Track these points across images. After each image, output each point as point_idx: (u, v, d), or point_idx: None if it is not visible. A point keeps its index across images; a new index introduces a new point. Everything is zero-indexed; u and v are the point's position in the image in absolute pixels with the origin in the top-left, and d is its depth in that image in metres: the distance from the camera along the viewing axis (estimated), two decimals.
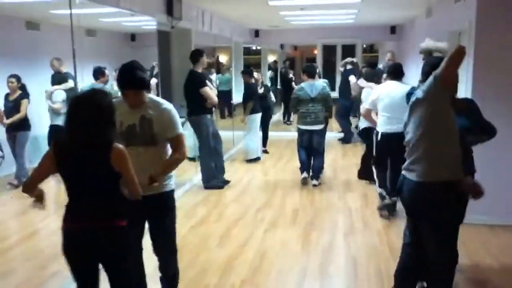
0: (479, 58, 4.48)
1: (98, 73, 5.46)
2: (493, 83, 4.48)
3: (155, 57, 6.28)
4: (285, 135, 9.57)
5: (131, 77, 2.64)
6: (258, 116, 7.72)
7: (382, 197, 5.22)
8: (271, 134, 8.64)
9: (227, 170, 6.56)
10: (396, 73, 5.03)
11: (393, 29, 10.22)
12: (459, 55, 2.51)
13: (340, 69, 9.34)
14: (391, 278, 3.54)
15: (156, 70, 6.07)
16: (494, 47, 4.44)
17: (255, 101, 7.57)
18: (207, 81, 5.99)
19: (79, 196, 2.36)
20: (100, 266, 2.47)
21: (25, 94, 5.48)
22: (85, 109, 2.27)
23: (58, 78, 5.62)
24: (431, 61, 2.93)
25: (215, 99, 5.82)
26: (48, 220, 4.85)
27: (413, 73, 8.14)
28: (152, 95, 2.87)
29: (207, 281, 3.57)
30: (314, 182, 6.25)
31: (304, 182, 6.30)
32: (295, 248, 4.22)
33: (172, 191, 2.91)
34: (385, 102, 4.89)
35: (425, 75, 2.85)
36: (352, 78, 8.62)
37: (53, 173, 2.38)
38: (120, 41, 6.63)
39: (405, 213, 2.95)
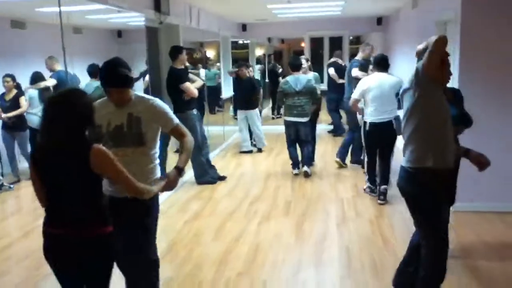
0: (465, 47, 4.54)
1: (93, 71, 5.44)
2: (479, 71, 4.55)
3: (143, 53, 6.27)
4: (275, 129, 9.58)
5: (114, 75, 2.55)
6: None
7: (371, 190, 5.38)
8: None
9: (218, 164, 6.58)
10: (384, 64, 5.14)
11: (379, 21, 10.29)
12: (439, 44, 2.55)
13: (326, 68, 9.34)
14: (384, 266, 3.63)
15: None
16: (480, 36, 4.51)
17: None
18: (190, 76, 5.97)
19: (59, 202, 2.24)
20: None
21: (21, 93, 5.47)
22: (58, 110, 2.14)
23: (34, 77, 5.60)
24: None
25: (195, 92, 5.77)
26: (40, 221, 4.80)
27: (399, 64, 8.22)
28: (137, 92, 2.77)
29: (203, 275, 3.60)
30: (305, 168, 6.29)
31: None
32: (289, 239, 4.27)
33: (156, 196, 2.72)
34: (374, 93, 4.98)
35: None
36: (330, 70, 8.64)
37: None
38: (106, 38, 6.59)
39: None
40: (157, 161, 2.80)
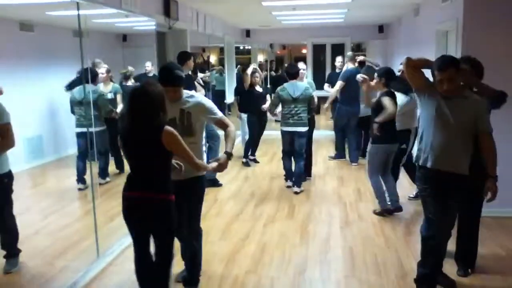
0: None
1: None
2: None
3: (147, 57, 6.38)
4: (277, 133, 9.74)
5: (170, 76, 3.03)
6: None
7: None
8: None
9: None
10: None
11: (381, 28, 10.44)
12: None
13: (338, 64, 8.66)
14: (386, 266, 3.76)
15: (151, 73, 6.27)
16: (481, 45, 4.61)
17: None
18: (195, 82, 6.09)
19: (137, 171, 2.82)
20: None
21: None
22: (139, 99, 2.69)
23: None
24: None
25: None
26: (48, 220, 4.94)
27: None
28: (187, 91, 3.24)
29: (211, 273, 3.71)
30: (296, 189, 5.93)
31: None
32: (294, 239, 4.39)
33: (203, 176, 3.27)
34: None
35: None
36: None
37: None
38: (111, 42, 6.70)
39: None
40: (203, 149, 3.32)
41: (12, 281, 3.64)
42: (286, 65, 12.55)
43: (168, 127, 2.70)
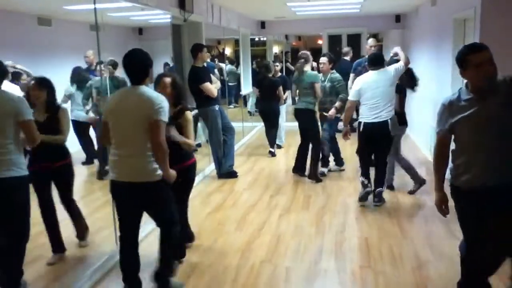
0: None
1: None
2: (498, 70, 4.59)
3: (163, 50, 6.42)
4: (293, 125, 9.72)
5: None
6: None
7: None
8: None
9: (238, 159, 6.72)
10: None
11: (398, 18, 10.30)
12: None
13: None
14: (403, 257, 3.76)
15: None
16: (499, 34, 4.55)
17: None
18: (211, 76, 6.12)
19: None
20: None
21: None
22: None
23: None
24: None
25: (214, 92, 5.91)
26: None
27: (417, 61, 8.27)
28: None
29: (227, 262, 3.75)
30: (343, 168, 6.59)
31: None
32: (310, 230, 4.41)
33: None
34: None
35: None
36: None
37: None
38: (127, 35, 6.76)
39: None
40: None
41: (31, 269, 3.73)
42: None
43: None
